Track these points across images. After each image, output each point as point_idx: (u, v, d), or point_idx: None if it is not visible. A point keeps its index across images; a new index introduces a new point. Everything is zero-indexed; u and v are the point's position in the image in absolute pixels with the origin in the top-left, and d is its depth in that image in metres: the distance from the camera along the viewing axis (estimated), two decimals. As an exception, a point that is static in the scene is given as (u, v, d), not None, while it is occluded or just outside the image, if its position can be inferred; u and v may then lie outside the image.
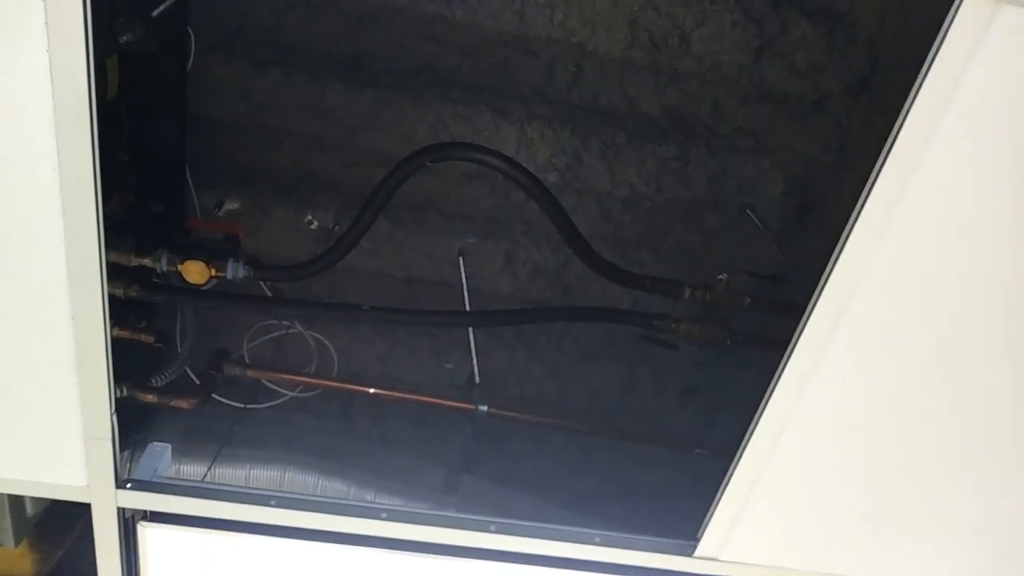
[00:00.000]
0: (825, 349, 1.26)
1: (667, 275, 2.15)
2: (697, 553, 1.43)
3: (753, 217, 2.22)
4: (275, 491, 1.51)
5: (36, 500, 1.91)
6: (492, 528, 1.46)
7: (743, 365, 2.14)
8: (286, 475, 2.06)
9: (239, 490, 1.47)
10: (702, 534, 1.42)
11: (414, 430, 2.36)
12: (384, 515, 1.46)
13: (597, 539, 1.46)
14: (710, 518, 1.39)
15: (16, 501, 1.85)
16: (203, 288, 1.88)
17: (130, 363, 1.82)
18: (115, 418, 1.40)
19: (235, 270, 1.84)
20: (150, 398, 1.82)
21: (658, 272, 2.24)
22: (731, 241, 2.24)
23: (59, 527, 2.08)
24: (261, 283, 2.01)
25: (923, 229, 1.20)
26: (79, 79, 1.12)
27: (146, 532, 1.46)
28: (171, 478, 1.59)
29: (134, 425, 1.94)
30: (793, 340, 1.26)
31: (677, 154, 2.22)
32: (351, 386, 2.06)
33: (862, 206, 1.17)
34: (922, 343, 1.30)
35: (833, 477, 1.38)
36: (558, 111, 2.18)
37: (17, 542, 1.90)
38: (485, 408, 1.99)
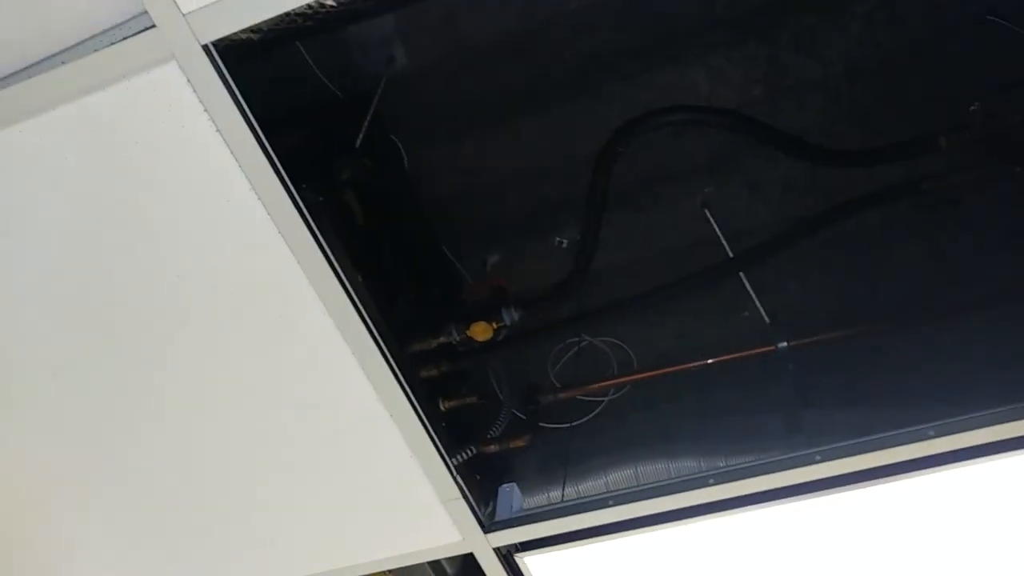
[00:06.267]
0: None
1: (921, 132, 1.93)
2: (1051, 409, 1.28)
3: (999, 20, 1.91)
4: (610, 492, 1.63)
5: (451, 560, 2.24)
6: (818, 458, 1.44)
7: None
8: (638, 470, 2.18)
9: (579, 502, 1.62)
10: (1044, 387, 1.26)
11: (740, 388, 2.36)
12: (712, 480, 1.51)
13: (931, 432, 1.37)
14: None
15: (436, 566, 2.20)
16: (495, 340, 2.10)
17: (471, 426, 2.09)
18: (459, 479, 1.64)
19: (510, 316, 2.04)
20: (493, 448, 2.05)
21: (918, 131, 2.02)
22: (982, 61, 1.95)
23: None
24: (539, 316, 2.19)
25: None
26: (300, 230, 1.36)
27: (524, 560, 1.67)
28: (531, 509, 1.80)
29: (495, 474, 2.21)
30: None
31: (878, 1, 2.00)
32: (654, 372, 2.13)
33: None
34: None
35: None
36: (731, 28, 2.09)
37: (449, 600, 2.24)
38: (785, 344, 1.95)
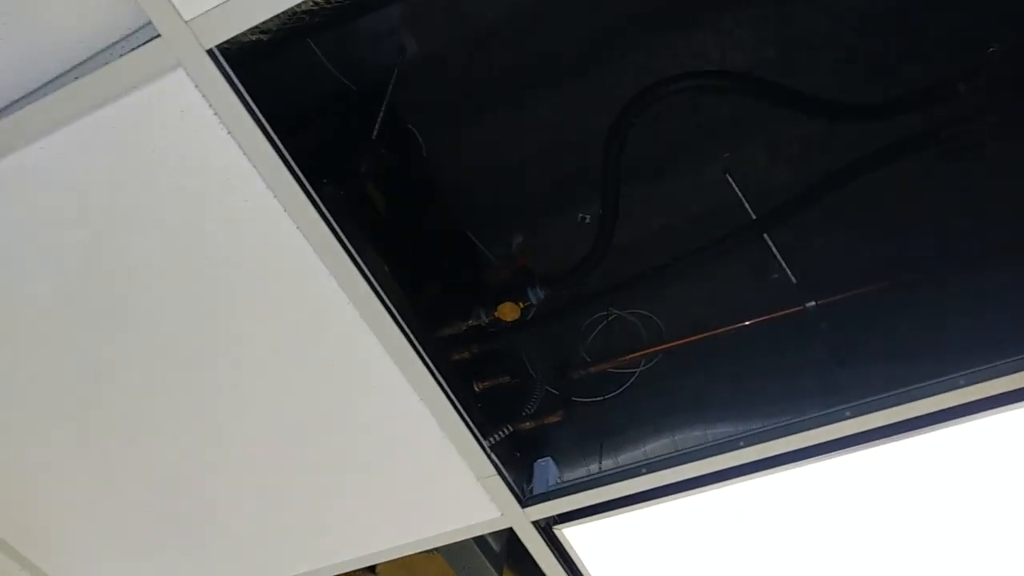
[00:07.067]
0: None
1: (940, 79, 1.89)
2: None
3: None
4: (643, 460, 1.65)
5: (495, 536, 2.28)
6: (848, 414, 1.43)
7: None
8: (676, 438, 2.19)
9: (613, 472, 1.64)
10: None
11: (775, 350, 2.34)
12: (742, 443, 1.52)
13: (962, 381, 1.35)
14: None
15: (482, 543, 2.24)
16: (524, 319, 2.12)
17: (508, 405, 2.11)
18: (494, 456, 1.67)
19: (535, 295, 2.05)
20: (528, 425, 2.08)
21: (937, 79, 1.97)
22: (1000, 1, 1.90)
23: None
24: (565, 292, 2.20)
25: None
26: (318, 226, 1.38)
27: (563, 532, 1.70)
28: (566, 481, 1.82)
29: (536, 449, 2.23)
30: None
31: (888, -52, 1.96)
32: (684, 340, 2.14)
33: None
34: None
35: None
36: (740, -11, 2.07)
37: (500, 574, 2.28)
38: (813, 303, 1.93)
